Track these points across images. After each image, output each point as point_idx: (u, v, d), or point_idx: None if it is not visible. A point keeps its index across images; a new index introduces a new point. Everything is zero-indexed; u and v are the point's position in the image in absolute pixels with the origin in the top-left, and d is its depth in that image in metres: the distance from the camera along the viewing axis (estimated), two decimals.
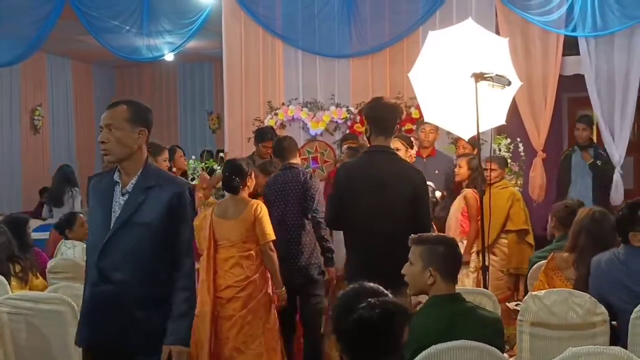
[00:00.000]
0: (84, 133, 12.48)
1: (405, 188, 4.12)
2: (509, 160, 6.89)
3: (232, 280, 4.93)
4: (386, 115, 4.24)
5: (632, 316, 3.56)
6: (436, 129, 6.57)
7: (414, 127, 7.30)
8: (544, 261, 4.47)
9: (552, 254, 4.31)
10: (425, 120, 5.49)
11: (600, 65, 7.21)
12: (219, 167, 7.90)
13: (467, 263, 5.82)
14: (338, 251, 5.26)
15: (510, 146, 7.22)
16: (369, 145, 4.42)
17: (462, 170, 6.07)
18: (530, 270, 4.84)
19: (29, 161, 10.84)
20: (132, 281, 3.08)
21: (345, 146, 6.51)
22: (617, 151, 7.20)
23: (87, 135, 12.56)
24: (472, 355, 2.90)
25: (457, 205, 6.03)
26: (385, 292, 2.26)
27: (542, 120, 7.41)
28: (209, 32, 8.60)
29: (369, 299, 2.18)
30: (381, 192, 4.11)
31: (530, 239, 6.17)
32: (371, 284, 2.28)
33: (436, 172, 6.49)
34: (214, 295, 4.94)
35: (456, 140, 6.99)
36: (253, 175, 5.14)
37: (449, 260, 3.18)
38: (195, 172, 7.76)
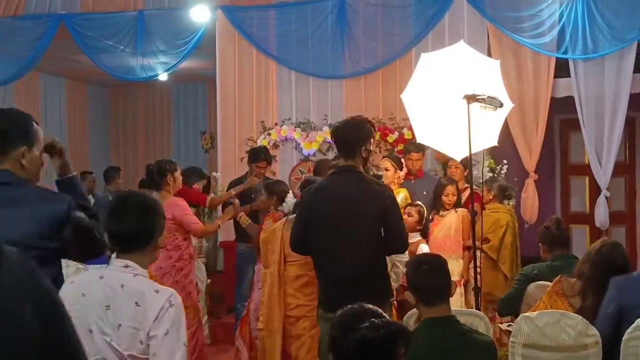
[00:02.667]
0: (78, 152, 12.45)
1: (371, 205, 4.07)
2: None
3: (304, 299, 4.89)
4: (347, 136, 4.18)
5: (624, 337, 3.56)
6: (422, 156, 6.61)
7: None
8: (542, 283, 4.42)
9: (559, 276, 4.16)
10: (418, 141, 5.49)
11: (589, 88, 7.26)
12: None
13: (468, 282, 5.85)
14: None
15: (497, 167, 7.25)
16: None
17: (454, 198, 6.19)
18: (525, 294, 4.79)
19: None
20: None
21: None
22: (603, 173, 7.25)
23: (81, 154, 12.54)
24: None
25: (456, 225, 6.06)
26: (384, 314, 2.26)
27: (534, 141, 7.44)
28: (203, 52, 8.64)
29: (372, 319, 2.18)
30: (347, 212, 4.07)
31: (505, 269, 6.16)
32: (369, 305, 2.28)
33: (424, 193, 6.52)
34: (283, 314, 4.92)
35: (447, 161, 7.01)
36: None
37: (421, 288, 3.19)
38: None
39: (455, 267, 5.96)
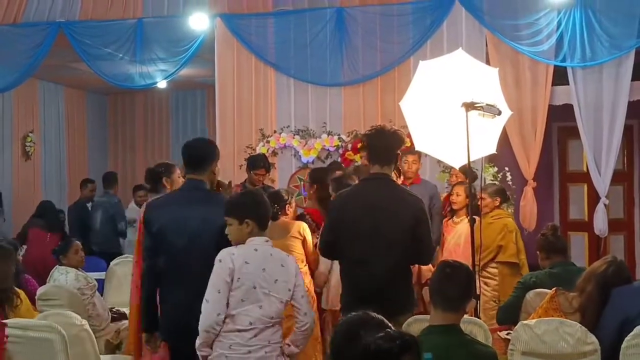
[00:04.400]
0: (76, 160, 12.44)
1: (403, 214, 4.11)
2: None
3: None
4: (381, 144, 4.25)
5: (622, 345, 3.56)
6: (419, 159, 6.60)
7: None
8: (540, 290, 4.40)
9: (555, 290, 4.09)
10: (416, 148, 5.49)
11: (588, 95, 7.28)
12: None
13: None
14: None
15: (499, 175, 7.26)
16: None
17: (460, 198, 6.15)
18: (524, 302, 4.77)
19: (20, 188, 10.79)
20: None
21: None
22: (602, 181, 7.25)
23: (79, 162, 12.53)
24: None
25: (467, 235, 6.03)
26: (389, 323, 2.23)
27: (532, 149, 7.45)
28: (202, 60, 8.64)
29: (378, 329, 2.16)
30: (377, 220, 4.10)
31: (525, 271, 6.12)
32: (374, 314, 2.25)
33: None
34: None
35: (449, 169, 7.01)
36: (294, 203, 5.55)
37: (434, 290, 3.19)
38: None
39: None
